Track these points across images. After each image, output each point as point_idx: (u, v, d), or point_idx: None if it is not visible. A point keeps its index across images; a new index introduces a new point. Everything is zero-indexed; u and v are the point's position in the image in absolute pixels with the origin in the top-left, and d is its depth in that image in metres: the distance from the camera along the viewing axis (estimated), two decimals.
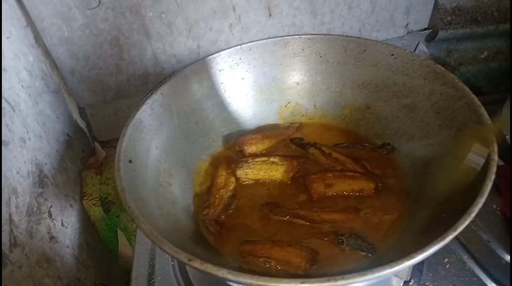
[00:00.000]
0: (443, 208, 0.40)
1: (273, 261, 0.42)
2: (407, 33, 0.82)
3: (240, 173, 0.52)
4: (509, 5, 0.79)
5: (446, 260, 0.48)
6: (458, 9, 0.79)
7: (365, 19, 0.77)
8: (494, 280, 0.46)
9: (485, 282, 0.46)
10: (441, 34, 0.80)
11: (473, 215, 0.33)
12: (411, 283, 0.46)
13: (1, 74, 0.51)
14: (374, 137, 0.55)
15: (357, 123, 0.57)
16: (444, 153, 0.46)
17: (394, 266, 0.30)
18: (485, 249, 0.48)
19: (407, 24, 0.81)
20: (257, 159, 0.52)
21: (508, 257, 0.47)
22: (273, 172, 0.52)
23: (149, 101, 0.50)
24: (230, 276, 0.31)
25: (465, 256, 0.48)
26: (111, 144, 0.78)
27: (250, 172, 0.52)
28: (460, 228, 0.32)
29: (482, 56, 0.88)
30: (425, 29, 0.82)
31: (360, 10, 0.75)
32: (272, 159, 0.52)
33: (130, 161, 0.43)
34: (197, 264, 0.32)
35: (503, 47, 0.86)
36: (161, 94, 0.51)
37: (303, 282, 0.30)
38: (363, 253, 0.42)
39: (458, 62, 0.88)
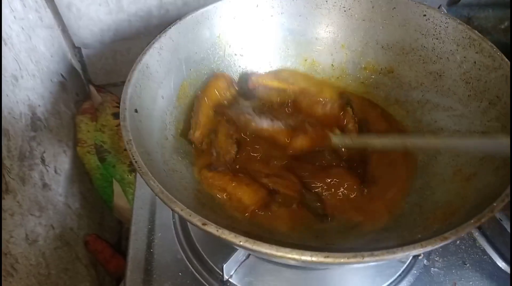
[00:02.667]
0: (469, 184, 0.38)
1: (225, 194, 0.42)
2: None
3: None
4: None
5: None
6: None
7: None
8: (504, 259, 0.45)
9: (495, 260, 0.45)
10: None
11: (508, 191, 0.30)
12: (420, 257, 0.45)
13: None
14: (394, 103, 0.52)
15: (377, 88, 0.53)
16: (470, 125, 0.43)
17: (425, 246, 0.28)
18: (497, 227, 0.47)
19: None
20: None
21: None
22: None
23: (156, 45, 0.45)
24: (247, 245, 0.29)
25: (476, 233, 0.47)
26: (107, 89, 0.73)
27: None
28: (499, 207, 0.30)
29: (502, 26, 0.83)
30: None
31: None
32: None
33: (136, 111, 0.39)
34: (211, 229, 0.29)
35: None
36: (170, 38, 0.47)
37: (327, 256, 0.28)
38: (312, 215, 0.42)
39: (478, 31, 0.84)
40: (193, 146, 0.47)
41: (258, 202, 0.42)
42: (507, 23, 0.83)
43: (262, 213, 0.42)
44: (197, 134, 0.47)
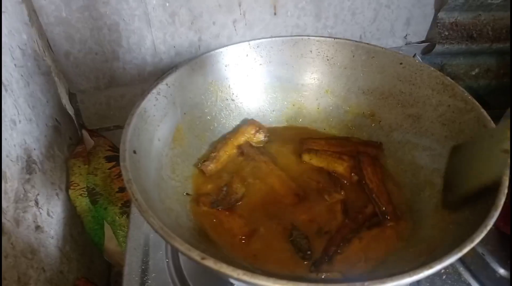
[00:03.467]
0: (450, 218, 0.41)
1: (216, 221, 0.45)
2: (405, 44, 0.83)
3: (305, 157, 0.53)
4: (505, 25, 0.81)
5: (442, 271, 0.48)
6: (456, 25, 0.81)
7: (366, 27, 0.78)
8: None
9: None
10: (438, 48, 0.82)
11: (488, 227, 0.33)
12: None
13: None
14: None
15: (360, 129, 0.57)
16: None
17: (412, 275, 0.30)
18: (480, 261, 0.49)
19: (406, 35, 0.82)
20: (326, 150, 0.53)
21: (502, 271, 0.48)
22: (336, 165, 0.52)
23: (154, 90, 0.48)
24: (245, 278, 0.30)
25: (461, 268, 0.49)
26: (99, 133, 0.75)
27: (314, 159, 0.52)
28: (477, 239, 0.32)
29: (473, 73, 0.90)
30: (422, 41, 0.84)
31: (363, 17, 0.76)
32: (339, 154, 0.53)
33: (134, 152, 0.41)
34: (210, 263, 0.31)
35: (493, 66, 0.89)
36: (166, 84, 0.49)
37: None
38: (299, 254, 0.42)
39: (450, 77, 0.90)
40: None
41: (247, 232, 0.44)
42: (477, 70, 0.90)
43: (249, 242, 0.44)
44: (211, 167, 0.51)
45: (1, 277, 0.42)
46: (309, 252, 0.42)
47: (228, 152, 0.53)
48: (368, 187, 0.49)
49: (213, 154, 0.52)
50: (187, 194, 0.48)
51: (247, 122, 0.56)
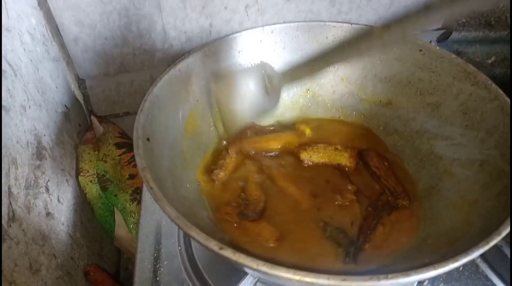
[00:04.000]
0: (472, 210, 0.40)
1: (243, 229, 0.43)
2: (421, 31, 0.81)
3: (304, 155, 0.51)
4: None
5: None
6: (474, 12, 0.79)
7: (382, 13, 0.75)
8: (506, 284, 0.45)
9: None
10: (454, 35, 0.80)
11: None
12: (425, 283, 0.46)
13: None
14: (394, 133, 0.54)
15: (376, 118, 0.55)
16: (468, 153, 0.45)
17: (438, 268, 0.29)
18: (498, 253, 0.48)
19: None
20: (320, 145, 0.52)
21: None
22: (338, 157, 0.51)
23: (166, 77, 0.47)
24: (265, 268, 0.29)
25: (478, 260, 0.48)
26: (108, 119, 0.74)
27: (314, 155, 0.51)
28: (505, 232, 0.31)
29: (489, 61, 0.88)
30: (439, 29, 0.81)
31: (379, 3, 0.73)
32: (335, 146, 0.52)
33: (148, 139, 0.40)
34: (229, 253, 0.30)
35: (510, 54, 0.86)
36: (179, 70, 0.48)
37: (344, 279, 0.28)
38: (341, 249, 0.41)
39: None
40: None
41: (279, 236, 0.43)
42: (494, 58, 0.88)
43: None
44: (221, 175, 0.49)
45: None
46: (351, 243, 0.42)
47: (235, 158, 0.52)
48: (376, 175, 0.50)
49: (220, 162, 0.50)
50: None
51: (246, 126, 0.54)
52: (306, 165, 0.51)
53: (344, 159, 0.51)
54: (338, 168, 0.51)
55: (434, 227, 0.43)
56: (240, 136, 0.53)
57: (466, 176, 0.44)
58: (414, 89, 0.52)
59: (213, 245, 0.30)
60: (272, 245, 0.42)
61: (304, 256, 0.41)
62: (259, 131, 0.55)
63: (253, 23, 0.70)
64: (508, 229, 0.32)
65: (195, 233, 0.31)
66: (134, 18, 0.65)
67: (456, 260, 0.30)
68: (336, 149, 0.52)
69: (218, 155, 0.52)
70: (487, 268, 0.47)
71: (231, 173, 0.51)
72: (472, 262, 0.48)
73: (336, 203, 0.46)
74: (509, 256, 0.48)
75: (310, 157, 0.51)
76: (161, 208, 0.33)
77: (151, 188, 0.34)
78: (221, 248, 0.30)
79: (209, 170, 0.50)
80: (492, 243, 0.31)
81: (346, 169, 0.51)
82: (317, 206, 0.46)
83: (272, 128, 0.57)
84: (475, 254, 0.30)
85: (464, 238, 0.37)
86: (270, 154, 0.53)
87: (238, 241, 0.42)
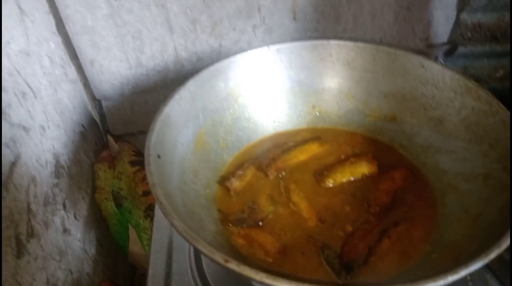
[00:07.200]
0: (475, 223, 0.40)
1: (246, 240, 0.44)
2: (427, 46, 0.82)
3: (328, 182, 0.51)
4: None
5: (468, 277, 0.47)
6: (479, 26, 0.80)
7: (387, 30, 0.77)
8: None
9: None
10: (460, 49, 0.80)
11: None
12: None
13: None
14: (399, 147, 0.55)
15: (382, 133, 0.57)
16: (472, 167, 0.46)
17: (437, 280, 0.30)
18: (507, 268, 0.48)
19: (427, 38, 0.81)
20: (336, 165, 0.53)
21: None
22: (358, 169, 0.51)
23: (176, 96, 0.49)
24: (268, 280, 0.30)
25: (488, 275, 0.48)
26: (124, 138, 0.77)
27: (337, 177, 0.51)
28: (505, 245, 0.31)
29: (498, 75, 0.88)
30: (444, 43, 0.83)
31: (383, 20, 0.75)
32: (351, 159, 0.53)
33: (158, 156, 0.42)
34: (233, 265, 0.31)
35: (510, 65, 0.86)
36: (188, 90, 0.51)
37: None
38: (333, 272, 0.41)
39: (474, 79, 0.88)
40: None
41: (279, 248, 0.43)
42: (502, 72, 0.88)
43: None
44: (236, 184, 0.50)
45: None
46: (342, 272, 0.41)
47: (253, 171, 0.53)
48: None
49: (239, 172, 0.52)
50: (219, 210, 0.49)
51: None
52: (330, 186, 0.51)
53: (364, 168, 0.52)
54: (363, 179, 0.51)
55: (439, 240, 0.43)
56: (272, 155, 0.54)
57: (470, 190, 0.44)
58: (417, 104, 0.53)
59: (219, 257, 0.32)
60: (272, 257, 0.42)
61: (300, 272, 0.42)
62: (280, 147, 0.57)
63: (261, 42, 0.73)
64: (508, 243, 0.32)
65: (201, 246, 0.32)
66: (147, 40, 0.68)
67: (456, 272, 0.30)
68: (352, 162, 0.52)
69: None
70: (497, 284, 0.47)
71: (246, 183, 0.52)
72: (481, 277, 0.48)
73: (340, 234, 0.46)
74: (509, 261, 0.48)
75: (334, 180, 0.51)
76: (170, 222, 0.34)
77: (161, 203, 0.36)
78: (226, 261, 0.31)
79: (224, 179, 0.52)
80: (492, 256, 0.31)
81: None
82: (321, 228, 0.47)
83: (291, 143, 0.57)
84: (474, 267, 0.31)
85: (467, 251, 0.37)
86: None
87: (242, 252, 0.43)
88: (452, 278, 0.30)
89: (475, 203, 0.43)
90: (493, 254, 0.31)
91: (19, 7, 0.52)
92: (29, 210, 0.46)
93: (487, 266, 0.48)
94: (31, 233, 0.46)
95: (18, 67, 0.50)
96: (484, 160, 0.45)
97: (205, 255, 0.32)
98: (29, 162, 0.48)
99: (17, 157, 0.46)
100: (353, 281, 0.39)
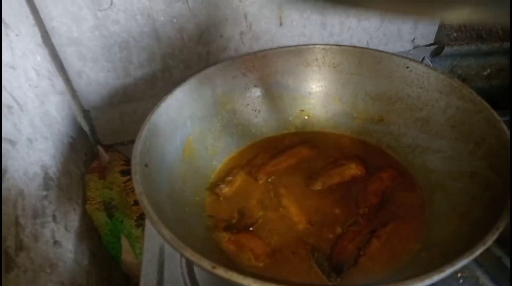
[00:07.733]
0: (463, 221, 0.40)
1: (236, 245, 0.44)
2: (413, 47, 0.83)
3: (317, 185, 0.51)
4: None
5: (459, 275, 0.47)
6: (464, 26, 0.81)
7: (373, 32, 0.78)
8: None
9: None
10: (447, 50, 0.81)
11: (501, 229, 0.32)
12: None
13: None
14: (387, 148, 0.55)
15: (369, 135, 0.57)
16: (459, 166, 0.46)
17: (424, 279, 0.30)
18: (498, 265, 0.48)
19: (414, 39, 0.82)
20: (326, 168, 0.53)
21: None
22: (347, 171, 0.52)
23: (163, 105, 0.49)
24: (255, 285, 0.30)
25: (479, 272, 0.48)
26: (114, 148, 0.77)
27: (326, 180, 0.51)
28: (490, 241, 0.32)
29: (485, 73, 0.89)
30: (430, 44, 0.83)
31: (369, 23, 0.76)
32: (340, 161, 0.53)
33: (146, 165, 0.42)
34: (221, 271, 0.31)
35: (505, 65, 0.88)
36: (176, 98, 0.51)
37: None
38: (323, 274, 0.41)
39: (461, 79, 0.89)
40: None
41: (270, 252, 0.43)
42: (489, 70, 0.89)
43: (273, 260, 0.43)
44: (225, 190, 0.51)
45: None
46: (332, 274, 0.41)
47: (242, 176, 0.53)
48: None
49: (228, 178, 0.52)
50: (209, 216, 0.49)
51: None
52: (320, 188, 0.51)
53: (353, 170, 0.52)
54: (353, 181, 0.52)
55: (428, 239, 0.43)
56: (261, 160, 0.55)
57: (457, 188, 0.45)
58: (404, 105, 0.54)
59: (206, 264, 0.32)
60: (263, 262, 0.43)
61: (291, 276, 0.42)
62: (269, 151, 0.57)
63: (248, 48, 0.73)
64: (493, 239, 0.32)
65: (189, 253, 0.32)
66: (134, 50, 0.68)
67: (442, 271, 0.30)
68: (341, 165, 0.53)
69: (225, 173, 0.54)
70: (488, 280, 0.47)
71: (236, 189, 0.52)
72: (472, 274, 0.48)
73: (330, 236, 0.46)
74: (509, 267, 0.48)
75: (324, 183, 0.51)
76: (157, 230, 0.34)
77: (148, 212, 0.36)
78: (213, 267, 0.31)
79: (214, 185, 0.52)
80: (477, 253, 0.31)
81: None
82: (311, 231, 0.47)
83: (280, 147, 0.57)
84: (460, 265, 0.31)
85: (456, 248, 0.37)
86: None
87: (233, 258, 0.43)
88: (438, 276, 0.30)
89: (462, 201, 0.43)
90: (478, 251, 0.31)
91: (4, 22, 0.52)
92: (17, 223, 0.46)
93: (477, 262, 0.48)
94: (20, 246, 0.45)
95: (3, 81, 0.49)
96: (470, 158, 0.45)
97: (193, 262, 0.32)
98: (16, 175, 0.48)
99: (4, 171, 0.45)
100: (343, 282, 0.39)
